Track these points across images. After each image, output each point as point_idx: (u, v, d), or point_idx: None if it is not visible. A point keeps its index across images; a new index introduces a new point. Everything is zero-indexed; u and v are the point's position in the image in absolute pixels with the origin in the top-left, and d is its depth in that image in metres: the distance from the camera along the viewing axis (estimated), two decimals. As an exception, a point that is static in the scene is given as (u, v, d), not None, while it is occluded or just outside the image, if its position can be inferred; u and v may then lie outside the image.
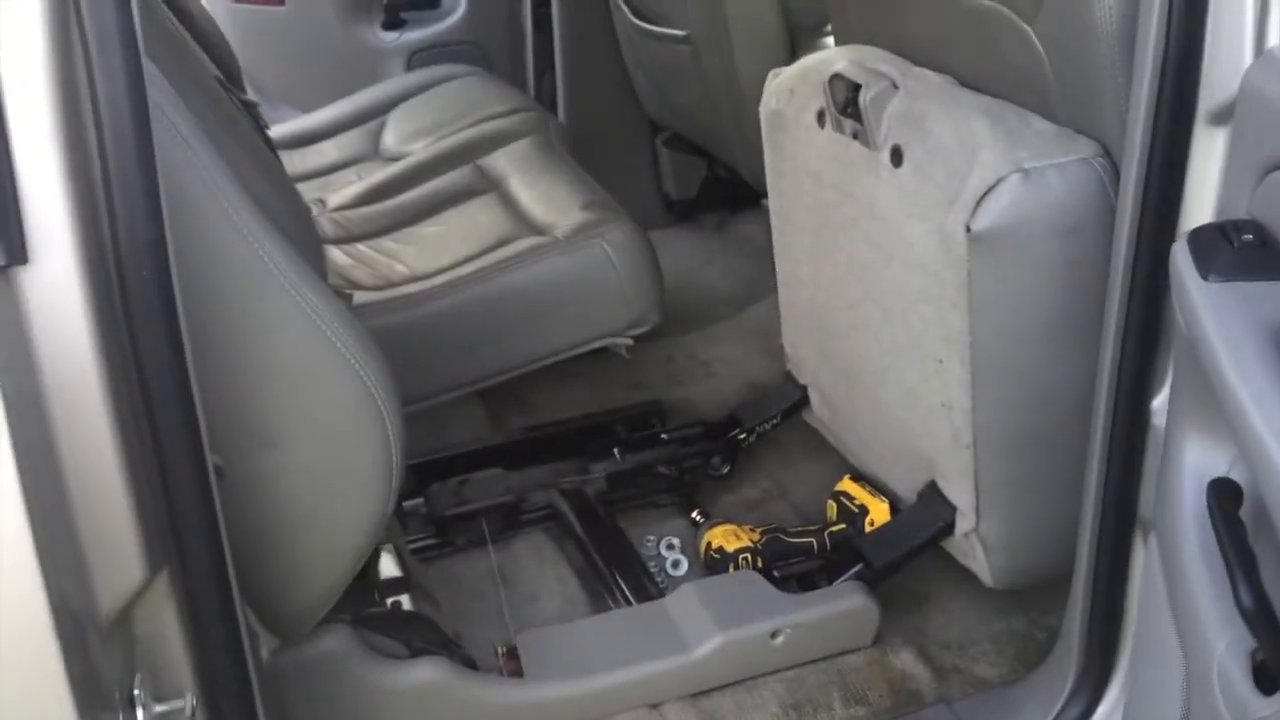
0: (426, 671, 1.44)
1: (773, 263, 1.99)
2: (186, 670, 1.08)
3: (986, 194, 1.40)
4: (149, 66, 1.09)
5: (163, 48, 1.39)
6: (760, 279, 2.71)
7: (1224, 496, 0.94)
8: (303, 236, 1.58)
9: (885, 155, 1.58)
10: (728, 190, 3.00)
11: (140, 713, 0.99)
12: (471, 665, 1.53)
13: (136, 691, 1.00)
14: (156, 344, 0.97)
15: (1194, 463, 1.02)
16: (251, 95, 3.12)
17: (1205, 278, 0.95)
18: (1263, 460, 0.80)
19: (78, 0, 0.88)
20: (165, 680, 1.07)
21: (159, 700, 1.04)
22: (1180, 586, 1.02)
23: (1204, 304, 0.92)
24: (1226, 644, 0.93)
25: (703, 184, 3.11)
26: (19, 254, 0.85)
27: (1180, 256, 0.99)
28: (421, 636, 1.47)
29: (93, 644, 0.95)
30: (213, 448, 1.08)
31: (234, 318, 1.11)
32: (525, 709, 1.51)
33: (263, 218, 1.14)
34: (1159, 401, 1.32)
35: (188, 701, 1.04)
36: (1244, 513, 0.95)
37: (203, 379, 1.04)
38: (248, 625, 1.14)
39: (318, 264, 1.64)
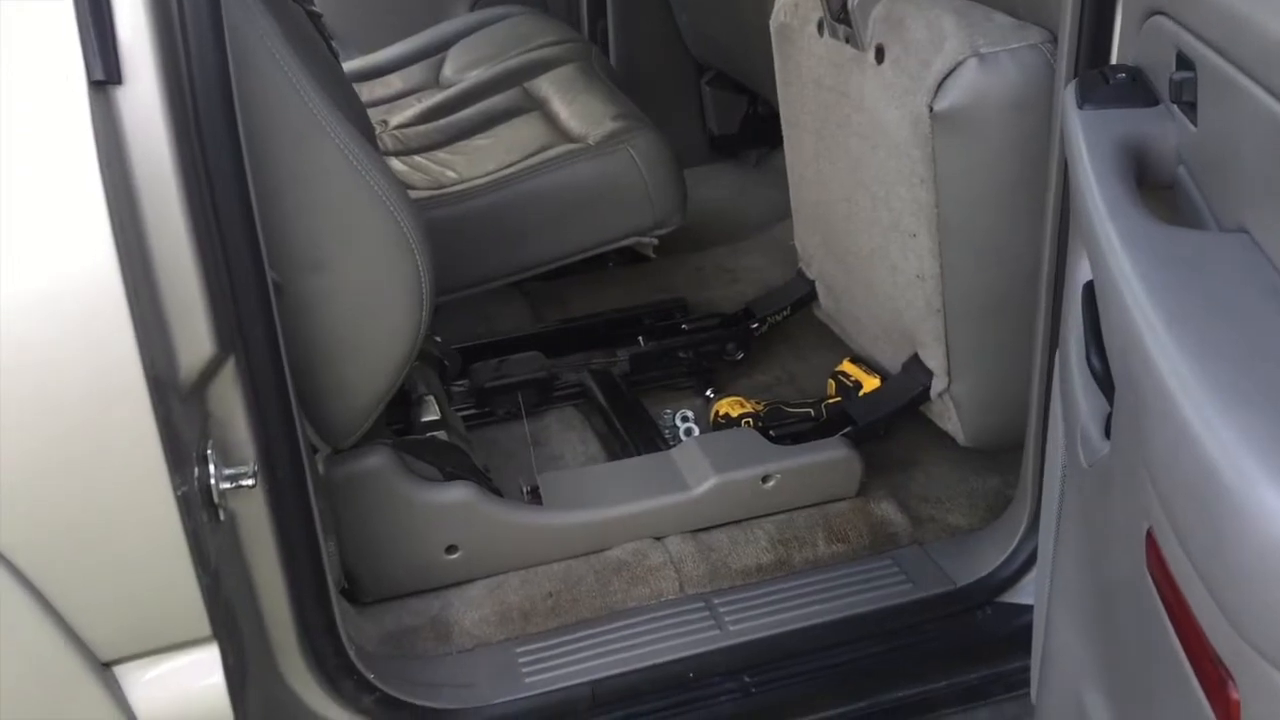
0: (458, 492, 1.68)
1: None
2: (250, 446, 1.32)
3: (947, 76, 1.58)
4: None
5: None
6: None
7: (1090, 293, 1.12)
8: (361, 127, 1.83)
9: (871, 54, 1.76)
10: (768, 126, 3.17)
11: (212, 469, 1.24)
12: (498, 494, 1.76)
13: (209, 452, 1.24)
14: (223, 162, 1.20)
15: (1079, 274, 1.20)
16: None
17: (1080, 107, 1.13)
18: (1090, 237, 0.99)
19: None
20: (233, 453, 1.32)
21: (228, 465, 1.28)
22: (1066, 380, 1.21)
23: (1075, 127, 1.11)
24: (1087, 409, 1.11)
25: (743, 121, 3.30)
26: (115, 74, 1.09)
27: (1067, 95, 1.17)
28: (454, 463, 1.70)
29: (174, 404, 1.19)
30: (273, 265, 1.32)
31: (288, 157, 1.35)
32: (544, 531, 1.74)
33: (315, 81, 1.37)
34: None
35: (250, 465, 1.28)
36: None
37: (262, 208, 1.28)
38: (300, 417, 1.38)
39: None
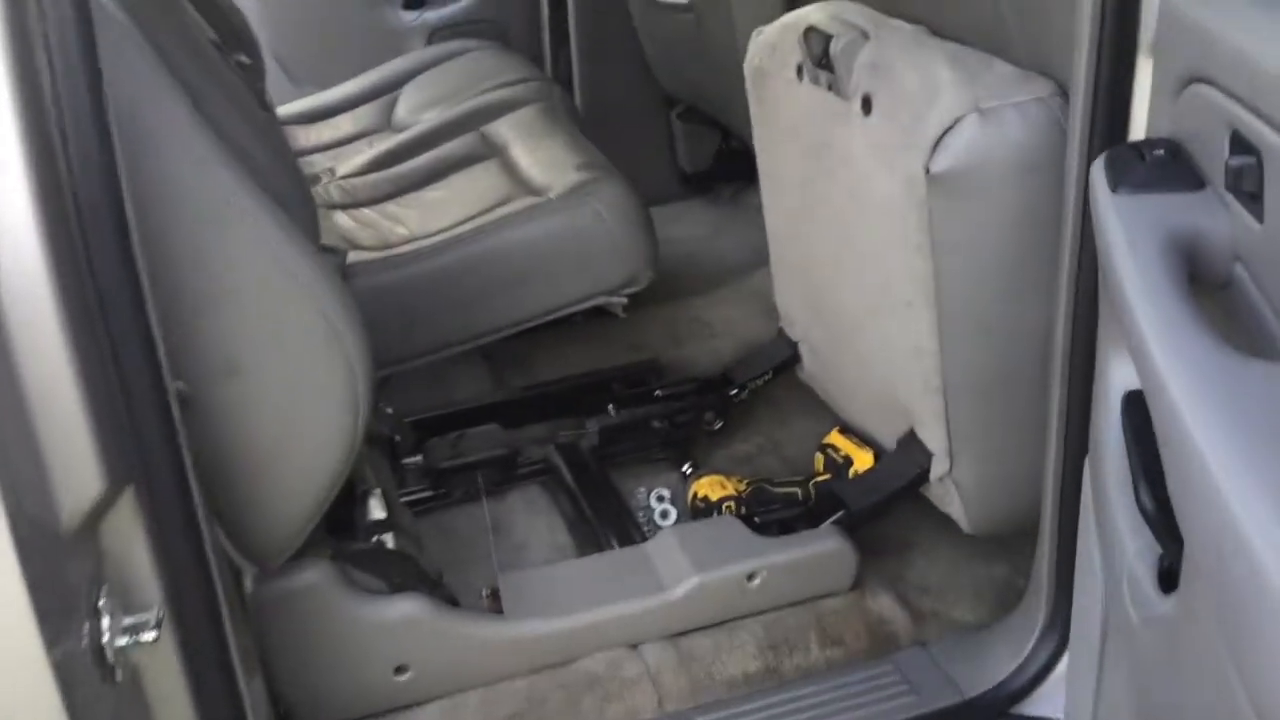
0: (405, 606, 1.49)
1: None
2: (155, 585, 1.14)
3: (944, 134, 1.42)
4: (118, 15, 1.16)
5: (146, 8, 1.46)
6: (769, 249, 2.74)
7: (1134, 408, 0.96)
8: (288, 190, 1.64)
9: (856, 104, 1.60)
10: (741, 162, 3.01)
11: (106, 620, 1.05)
12: (453, 603, 1.58)
13: (102, 601, 1.06)
14: (111, 265, 1.02)
15: (1115, 377, 1.04)
16: (275, 69, 3.22)
17: (1115, 191, 0.97)
18: (1141, 356, 0.82)
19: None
20: (135, 594, 1.13)
21: (128, 612, 1.10)
22: (1102, 501, 1.04)
23: (1109, 215, 0.94)
24: (1135, 549, 0.95)
25: (717, 156, 3.14)
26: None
27: (1096, 173, 1.01)
28: (402, 573, 1.52)
29: (53, 551, 1.00)
30: (179, 375, 1.14)
31: (195, 249, 1.17)
32: (504, 645, 1.56)
33: (227, 156, 1.19)
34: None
35: (154, 613, 1.10)
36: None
37: (165, 307, 1.09)
38: (217, 545, 1.20)
39: (304, 217, 1.70)
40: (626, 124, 3.07)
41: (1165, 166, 0.97)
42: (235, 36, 2.24)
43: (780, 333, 2.08)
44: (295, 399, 1.26)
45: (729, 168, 3.14)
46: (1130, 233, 0.92)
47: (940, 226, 1.46)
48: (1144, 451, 0.92)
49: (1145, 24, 1.18)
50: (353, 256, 1.94)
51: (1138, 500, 0.90)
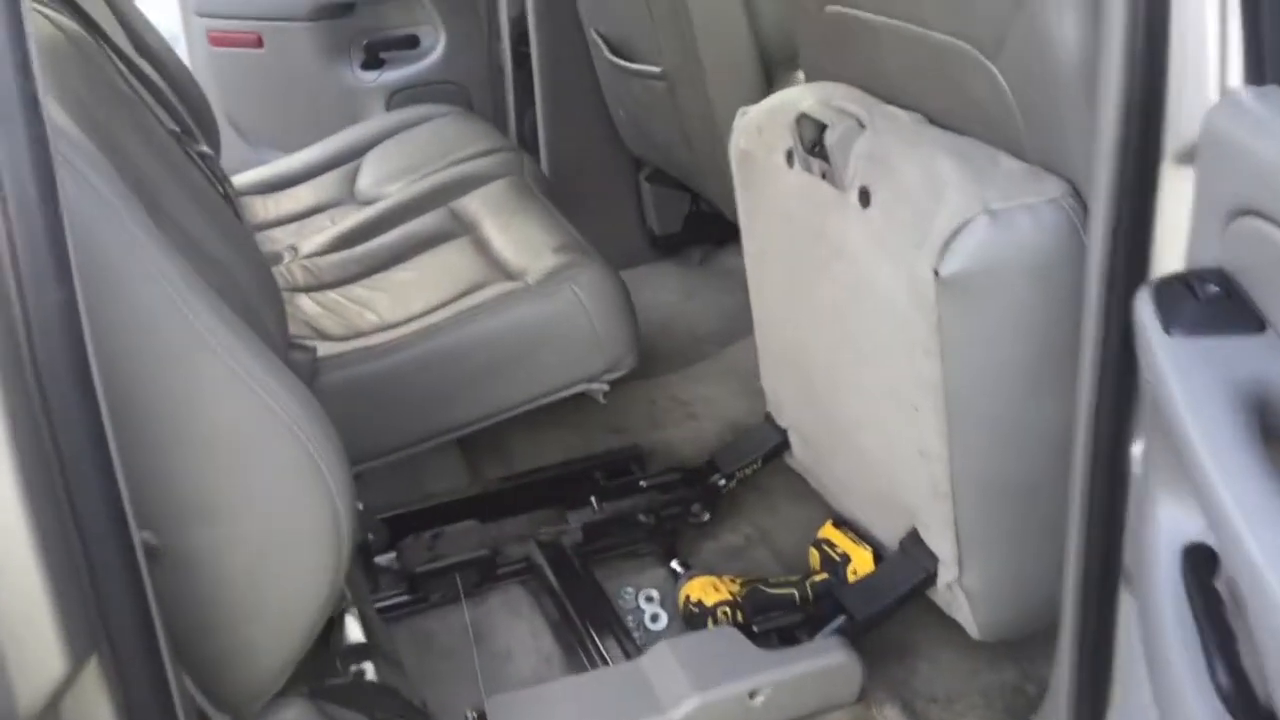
0: (389, 743, 1.39)
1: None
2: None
3: (954, 236, 1.36)
4: (75, 135, 1.06)
5: (105, 106, 1.37)
6: (745, 315, 2.64)
7: (1199, 565, 0.89)
8: (256, 290, 1.55)
9: (853, 196, 1.54)
10: (712, 224, 2.96)
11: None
12: (438, 733, 1.48)
13: (62, 786, 0.95)
14: (71, 414, 0.93)
15: (1168, 523, 0.97)
16: (232, 133, 3.12)
17: (1168, 332, 0.90)
18: (1232, 541, 0.75)
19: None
20: (99, 771, 1.03)
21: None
22: (1158, 653, 0.97)
23: (1167, 360, 0.88)
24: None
25: (686, 219, 3.08)
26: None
27: (1143, 309, 0.95)
28: (385, 707, 1.42)
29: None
30: (146, 524, 1.04)
31: (165, 389, 1.07)
32: (494, 779, 1.46)
33: (197, 283, 1.10)
34: (1139, 449, 1.27)
35: (121, 794, 1.00)
36: (1220, 581, 0.90)
37: (132, 452, 1.00)
38: (188, 703, 1.09)
39: (273, 318, 1.61)
40: (594, 186, 3.01)
41: (1220, 304, 0.91)
42: (201, 120, 2.15)
43: (768, 418, 2.01)
44: (274, 541, 1.16)
45: (699, 230, 3.09)
46: (1193, 383, 0.85)
47: (950, 330, 1.40)
48: (1213, 618, 0.85)
49: (1172, 130, 1.13)
50: (322, 349, 1.84)
51: (1213, 676, 0.83)
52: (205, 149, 1.80)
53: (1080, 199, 1.35)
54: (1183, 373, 0.86)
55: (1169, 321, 0.91)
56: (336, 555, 1.19)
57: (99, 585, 0.98)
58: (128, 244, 1.03)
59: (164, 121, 1.64)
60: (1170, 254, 1.16)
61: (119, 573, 0.99)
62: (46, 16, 1.39)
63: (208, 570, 1.13)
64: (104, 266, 1.01)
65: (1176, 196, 1.15)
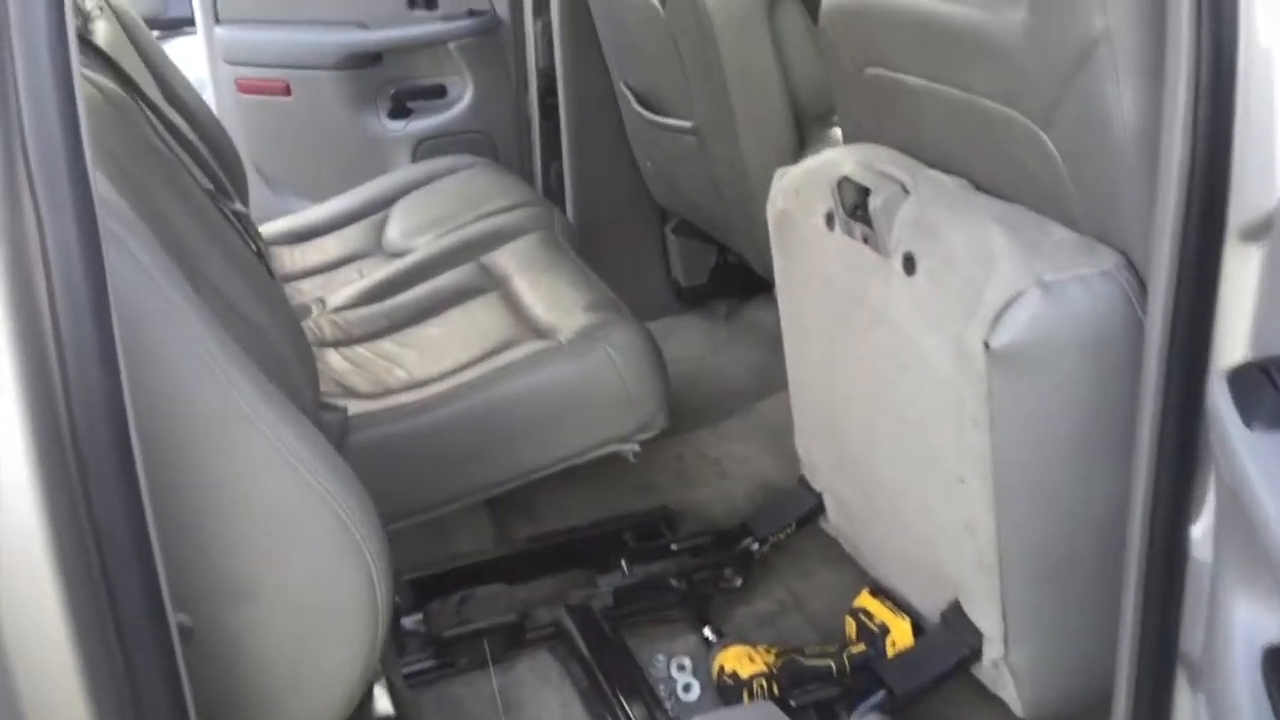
0: (419, 823, 1.35)
1: (784, 352, 1.92)
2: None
3: (1005, 308, 1.33)
4: (116, 202, 1.04)
5: (143, 167, 1.36)
6: (772, 369, 2.64)
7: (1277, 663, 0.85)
8: (290, 352, 1.53)
9: (897, 262, 1.51)
10: (738, 277, 2.94)
11: None
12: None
13: None
14: (111, 496, 0.90)
15: (1246, 622, 0.94)
16: (258, 180, 3.12)
17: (1249, 426, 0.87)
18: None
19: (25, 148, 0.82)
20: None
21: None
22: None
23: (1249, 456, 0.85)
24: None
25: (713, 271, 3.07)
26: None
27: (1220, 398, 0.92)
28: (415, 782, 1.38)
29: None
30: (182, 604, 1.01)
31: (204, 464, 1.04)
32: None
33: (236, 353, 1.07)
34: (1198, 530, 1.23)
35: None
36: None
37: (169, 532, 0.97)
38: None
39: (305, 379, 1.58)
40: (620, 237, 3.00)
41: (1301, 395, 0.88)
42: (232, 173, 2.15)
43: (802, 480, 1.97)
44: (311, 618, 1.13)
45: (725, 283, 3.07)
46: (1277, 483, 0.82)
47: (1000, 402, 1.36)
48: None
49: (1237, 204, 1.10)
50: (352, 408, 1.81)
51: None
52: (239, 207, 1.79)
53: (1135, 272, 1.32)
54: (1268, 471, 0.83)
55: (1249, 415, 0.88)
56: (374, 630, 1.16)
57: (132, 668, 0.94)
58: (168, 314, 1.00)
59: (199, 179, 1.63)
60: (1234, 334, 1.12)
61: (153, 656, 0.96)
62: (86, 77, 1.37)
63: (243, 649, 1.10)
64: (143, 338, 0.98)
65: (1241, 274, 1.12)
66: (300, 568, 1.11)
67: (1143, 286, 1.30)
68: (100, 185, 1.00)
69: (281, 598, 1.10)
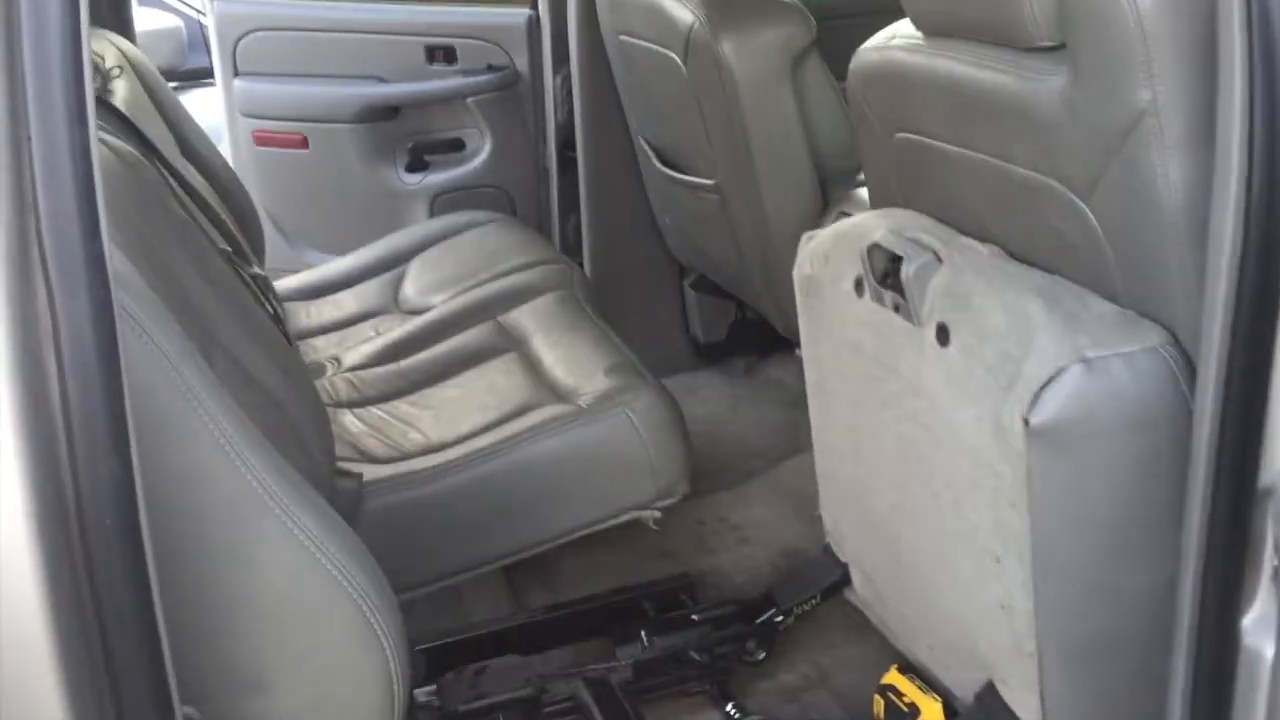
0: None
1: (805, 412, 1.87)
2: None
3: (1046, 385, 1.28)
4: (130, 276, 1.01)
5: (159, 233, 1.33)
6: (792, 430, 2.60)
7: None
8: (306, 420, 1.50)
9: (930, 332, 1.47)
10: (758, 333, 2.91)
11: None
12: None
13: None
14: (118, 587, 0.86)
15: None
16: (274, 232, 3.09)
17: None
18: None
19: (40, 228, 0.79)
20: None
21: None
22: None
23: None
24: None
25: (731, 327, 3.03)
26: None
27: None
28: None
29: None
30: (191, 697, 0.97)
31: (215, 549, 1.00)
32: None
33: (250, 432, 1.03)
34: (1250, 619, 1.18)
35: None
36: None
37: (178, 620, 0.93)
38: None
39: (321, 447, 1.55)
40: (637, 292, 2.97)
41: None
42: (241, 226, 2.12)
43: (827, 550, 1.92)
44: (327, 710, 1.08)
45: (744, 339, 3.03)
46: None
47: (1040, 481, 1.31)
48: None
49: (1289, 286, 1.06)
50: (367, 473, 1.77)
51: None
52: (256, 270, 1.76)
53: (1181, 348, 1.28)
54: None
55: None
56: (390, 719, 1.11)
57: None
58: (182, 397, 0.97)
59: (216, 242, 1.60)
60: (1291, 418, 1.09)
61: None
62: (103, 140, 1.35)
63: (254, 745, 1.05)
64: (157, 422, 0.95)
65: (1295, 357, 1.08)
66: (316, 658, 1.07)
67: (1189, 364, 1.26)
68: (115, 260, 0.97)
69: (296, 689, 1.06)
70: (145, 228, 1.24)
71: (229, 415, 1.02)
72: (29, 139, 0.78)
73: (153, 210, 1.35)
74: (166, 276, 1.23)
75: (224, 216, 1.89)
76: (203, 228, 1.58)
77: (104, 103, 1.52)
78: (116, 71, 1.80)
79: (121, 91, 1.77)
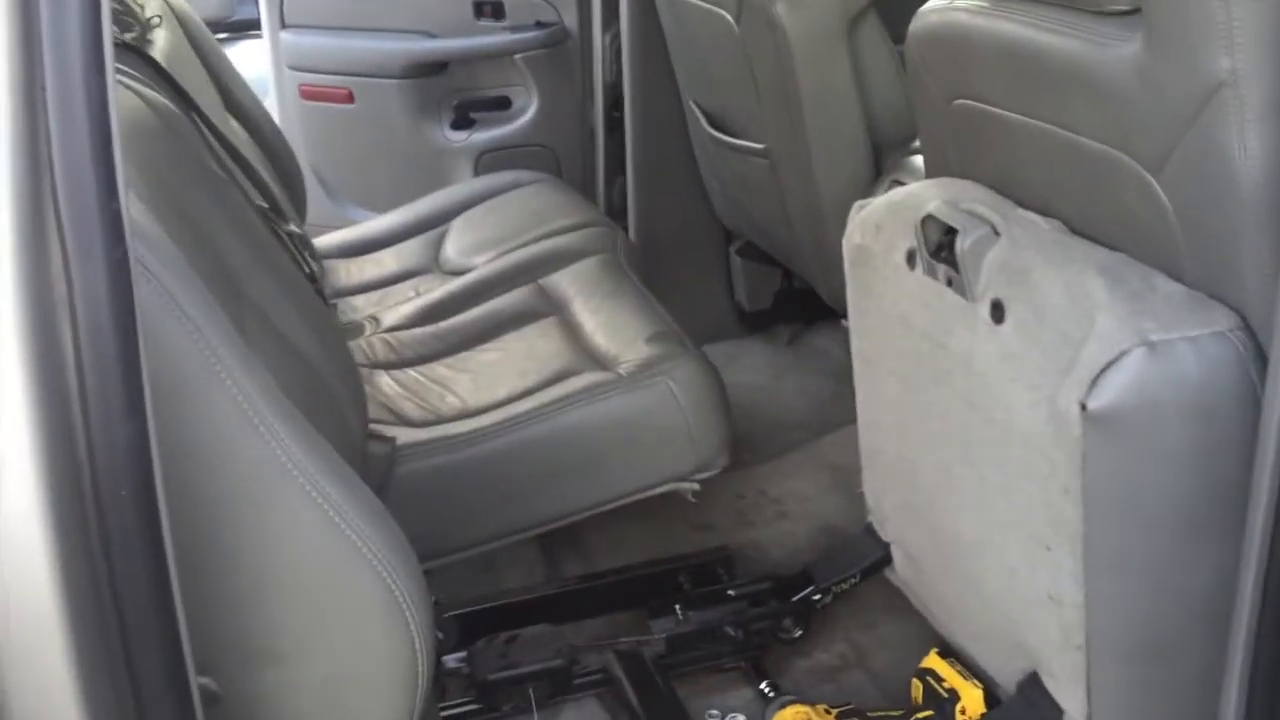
0: None
1: (850, 384, 1.82)
2: None
3: (1106, 368, 1.22)
4: (156, 234, 0.98)
5: (192, 189, 1.30)
6: (836, 401, 2.54)
7: None
8: (339, 382, 1.47)
9: (984, 309, 1.41)
10: (803, 302, 2.85)
11: None
12: None
13: None
14: (133, 554, 0.84)
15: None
16: (318, 187, 3.07)
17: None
18: None
19: (55, 186, 0.76)
20: None
21: None
22: None
23: None
24: None
25: (777, 295, 2.97)
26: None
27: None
28: None
29: None
30: (208, 667, 0.95)
31: (237, 519, 0.97)
32: None
33: (277, 399, 1.00)
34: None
35: None
36: None
37: (198, 591, 0.91)
38: None
39: (354, 410, 1.52)
40: (682, 257, 2.92)
41: None
42: (283, 181, 2.09)
43: (869, 529, 1.87)
44: (347, 684, 1.06)
45: (790, 308, 2.97)
46: None
47: (1095, 469, 1.26)
48: None
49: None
50: (401, 437, 1.75)
51: None
52: (293, 228, 1.73)
53: (1251, 333, 1.21)
54: None
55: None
56: (413, 697, 1.09)
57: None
58: (206, 361, 0.94)
59: (252, 198, 1.57)
60: (1368, 411, 1.02)
61: (174, 724, 0.89)
62: (135, 91, 1.32)
63: (273, 716, 1.03)
64: (178, 386, 0.92)
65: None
66: (338, 630, 1.04)
67: (1260, 351, 1.19)
68: (140, 216, 0.94)
69: (317, 662, 1.03)
70: (175, 182, 1.21)
71: (254, 379, 0.98)
72: (43, 89, 0.75)
73: (186, 164, 1.31)
74: (197, 232, 1.20)
75: (263, 172, 1.86)
76: (239, 183, 1.55)
77: (140, 53, 1.49)
78: (156, 20, 1.77)
79: (160, 42, 1.74)
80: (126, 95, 1.26)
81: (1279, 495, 1.09)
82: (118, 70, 1.17)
